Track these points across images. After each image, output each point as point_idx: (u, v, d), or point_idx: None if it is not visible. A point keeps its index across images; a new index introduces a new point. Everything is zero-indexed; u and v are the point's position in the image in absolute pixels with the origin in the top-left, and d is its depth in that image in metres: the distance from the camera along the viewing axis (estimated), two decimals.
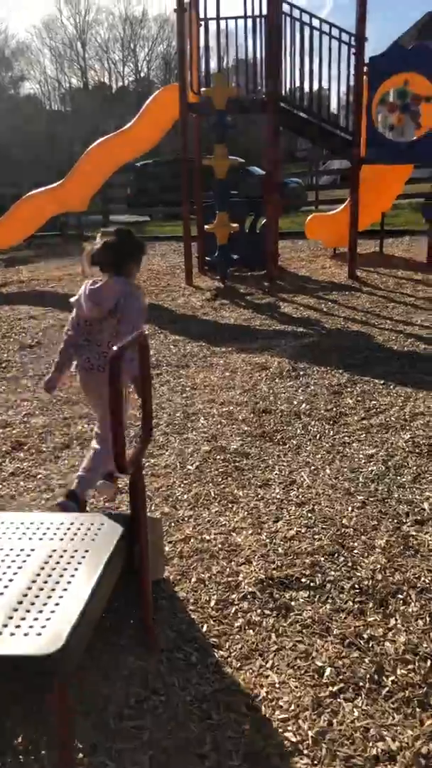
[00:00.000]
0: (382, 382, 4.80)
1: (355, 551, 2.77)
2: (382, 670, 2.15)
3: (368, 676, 2.12)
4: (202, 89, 7.89)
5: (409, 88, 7.65)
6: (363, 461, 3.58)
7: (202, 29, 8.39)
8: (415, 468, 3.47)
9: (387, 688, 2.07)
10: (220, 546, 2.85)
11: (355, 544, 2.82)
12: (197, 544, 2.87)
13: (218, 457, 3.70)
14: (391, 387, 4.68)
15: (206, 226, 8.32)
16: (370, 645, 2.25)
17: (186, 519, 3.09)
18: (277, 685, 2.11)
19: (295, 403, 4.46)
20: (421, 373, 4.94)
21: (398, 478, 3.38)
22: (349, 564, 2.68)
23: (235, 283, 8.64)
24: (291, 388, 4.76)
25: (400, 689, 2.06)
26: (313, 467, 3.54)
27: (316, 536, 2.88)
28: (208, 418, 4.26)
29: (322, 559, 2.72)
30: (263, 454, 3.72)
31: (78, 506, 2.83)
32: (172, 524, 3.04)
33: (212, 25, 8.72)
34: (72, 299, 2.92)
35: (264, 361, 5.38)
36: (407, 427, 3.98)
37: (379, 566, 2.65)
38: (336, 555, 2.74)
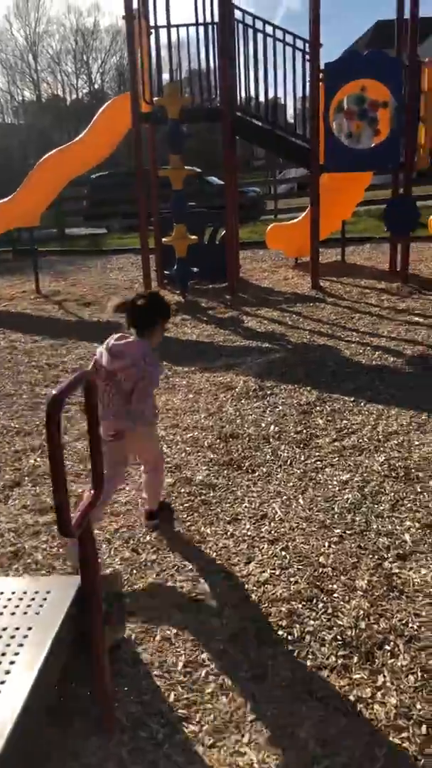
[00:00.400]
0: (352, 399, 4.60)
1: (335, 594, 2.53)
2: (372, 740, 1.91)
3: (357, 750, 1.88)
4: (155, 99, 7.67)
5: (367, 94, 7.55)
6: (337, 488, 3.36)
7: (153, 37, 8.19)
8: (392, 494, 3.26)
9: (380, 764, 1.84)
10: (187, 595, 2.59)
11: (335, 586, 2.59)
12: (162, 594, 2.61)
13: (183, 490, 3.44)
14: (362, 404, 4.49)
15: (164, 239, 8.08)
16: (358, 709, 2.02)
17: (149, 564, 2.82)
18: (255, 765, 1.85)
19: (263, 425, 4.23)
20: (392, 388, 4.76)
21: (375, 506, 3.17)
22: (330, 611, 2.44)
23: (196, 297, 8.41)
24: (258, 409, 4.53)
25: (394, 765, 1.83)
26: (285, 497, 3.30)
27: (292, 578, 2.64)
28: (171, 445, 4.00)
29: (300, 606, 2.48)
30: (231, 485, 3.47)
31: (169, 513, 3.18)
32: (134, 571, 2.77)
33: (165, 33, 8.49)
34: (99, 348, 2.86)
35: (229, 380, 5.14)
36: (381, 449, 3.78)
37: (362, 612, 2.42)
38: (314, 600, 2.50)
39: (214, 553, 2.86)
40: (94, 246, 15.66)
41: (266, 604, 2.50)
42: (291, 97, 7.43)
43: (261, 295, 8.42)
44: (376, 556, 2.76)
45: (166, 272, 8.73)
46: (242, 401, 4.69)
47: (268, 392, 4.83)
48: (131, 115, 7.92)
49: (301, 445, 3.91)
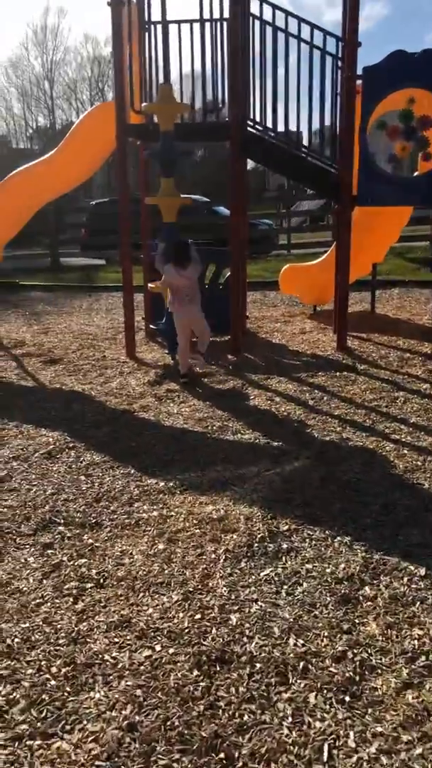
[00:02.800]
0: (422, 569, 2.80)
1: None
2: None
3: None
4: (143, 104, 6.01)
5: (415, 109, 5.88)
6: None
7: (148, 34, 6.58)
8: None
9: None
10: None
11: None
12: None
13: None
14: None
15: (150, 285, 6.34)
16: None
17: None
18: None
19: (277, 634, 2.43)
20: None
21: None
22: None
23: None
24: (268, 586, 2.73)
25: None
26: None
27: None
28: (109, 689, 2.19)
29: None
30: None
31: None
32: None
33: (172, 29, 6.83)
34: None
35: (223, 513, 3.36)
36: None
37: None
38: None
39: None
40: (87, 280, 14.01)
41: None
42: (317, 111, 5.67)
43: (272, 356, 6.66)
44: None
45: (152, 326, 6.95)
46: (242, 564, 2.90)
47: (284, 546, 3.04)
48: (116, 128, 6.27)
49: (346, 693, 2.10)
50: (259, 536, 3.13)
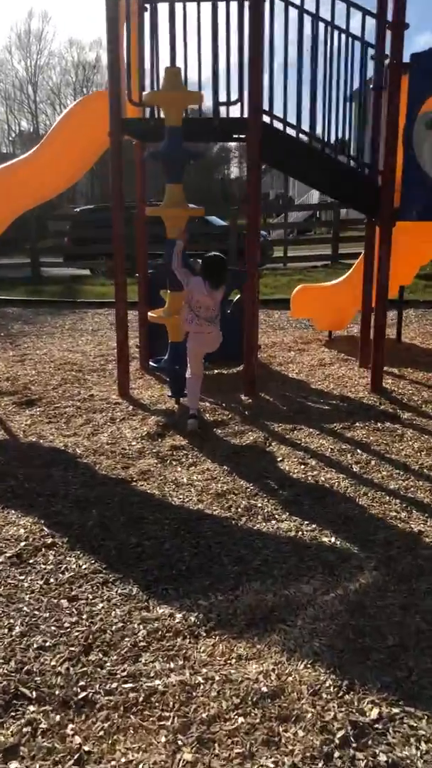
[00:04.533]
0: None
1: None
2: None
3: None
4: (144, 93, 4.90)
5: None
6: None
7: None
8: None
9: None
10: None
11: None
12: None
13: None
14: None
15: (150, 314, 5.21)
16: None
17: None
18: None
19: None
20: None
21: None
22: None
23: None
24: None
25: None
26: None
27: None
28: None
29: None
30: None
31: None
32: None
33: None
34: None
35: (275, 681, 2.26)
36: None
37: None
38: None
39: None
40: (70, 294, 12.85)
41: None
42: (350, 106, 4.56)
43: (294, 398, 5.58)
44: None
45: (151, 363, 5.80)
46: None
47: (381, 758, 1.95)
48: (110, 123, 5.18)
49: None
50: (338, 733, 2.04)
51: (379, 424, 4.86)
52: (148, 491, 3.84)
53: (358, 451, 4.39)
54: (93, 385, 6.07)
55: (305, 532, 3.32)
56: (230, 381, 6.12)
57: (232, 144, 69.63)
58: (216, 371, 6.39)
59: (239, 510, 3.57)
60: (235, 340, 5.66)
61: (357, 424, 4.88)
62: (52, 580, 2.91)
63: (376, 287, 5.46)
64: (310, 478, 3.98)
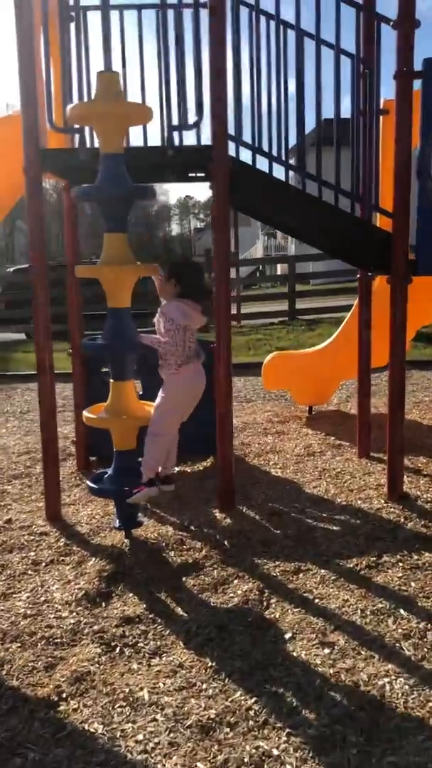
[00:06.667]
0: None
1: None
2: None
3: None
4: (69, 107, 3.52)
5: None
6: None
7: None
8: None
9: None
10: None
11: None
12: None
13: None
14: None
15: (86, 414, 3.67)
16: None
17: None
18: None
19: None
20: None
21: None
22: None
23: (153, 519, 4.12)
24: None
25: None
26: None
27: None
28: None
29: None
30: None
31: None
32: None
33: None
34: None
35: None
36: None
37: None
38: None
39: None
40: (1, 364, 11.26)
41: None
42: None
43: (287, 511, 4.14)
44: None
45: (89, 483, 4.08)
46: None
47: None
48: (24, 156, 3.81)
49: None
50: None
51: (415, 557, 3.46)
52: (84, 730, 2.31)
53: (402, 611, 2.96)
54: (12, 502, 4.50)
55: None
56: (195, 485, 4.66)
57: (172, 200, 69.49)
58: (176, 469, 4.93)
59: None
60: (200, 423, 4.23)
61: (385, 557, 3.47)
62: None
63: (392, 360, 4.16)
64: (342, 677, 2.53)
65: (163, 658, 2.70)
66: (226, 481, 4.16)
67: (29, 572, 3.47)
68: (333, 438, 5.70)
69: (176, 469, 4.90)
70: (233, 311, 16.12)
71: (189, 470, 5.04)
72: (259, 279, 28.98)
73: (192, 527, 3.94)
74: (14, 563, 3.57)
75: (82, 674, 2.60)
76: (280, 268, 28.14)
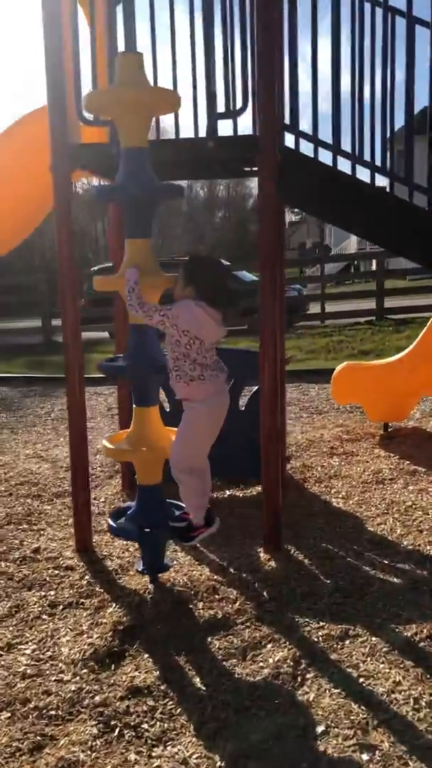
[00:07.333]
0: None
1: None
2: None
3: None
4: (86, 94, 3.11)
5: None
6: None
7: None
8: None
9: None
10: None
11: None
12: None
13: None
14: None
15: (105, 443, 3.24)
16: None
17: None
18: None
19: None
20: None
21: None
22: None
23: (188, 552, 3.69)
24: None
25: None
26: None
27: None
28: None
29: None
30: None
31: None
32: None
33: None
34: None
35: None
36: None
37: None
38: None
39: None
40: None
41: None
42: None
43: (343, 555, 3.60)
44: None
45: (109, 521, 3.58)
46: None
47: None
48: (51, 152, 3.47)
49: None
50: None
51: None
52: None
53: None
54: (47, 526, 4.21)
55: None
56: (247, 514, 4.20)
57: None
58: (216, 495, 4.49)
59: None
60: (250, 448, 3.77)
61: None
62: None
63: None
64: None
65: (167, 749, 2.27)
66: (272, 517, 3.66)
67: (44, 616, 3.14)
68: (407, 462, 5.06)
69: (227, 492, 4.49)
70: (317, 310, 15.48)
71: (241, 495, 4.59)
72: (352, 275, 27.91)
73: (231, 569, 3.48)
74: (30, 604, 3.25)
75: (70, 763, 2.21)
76: (375, 264, 26.97)
